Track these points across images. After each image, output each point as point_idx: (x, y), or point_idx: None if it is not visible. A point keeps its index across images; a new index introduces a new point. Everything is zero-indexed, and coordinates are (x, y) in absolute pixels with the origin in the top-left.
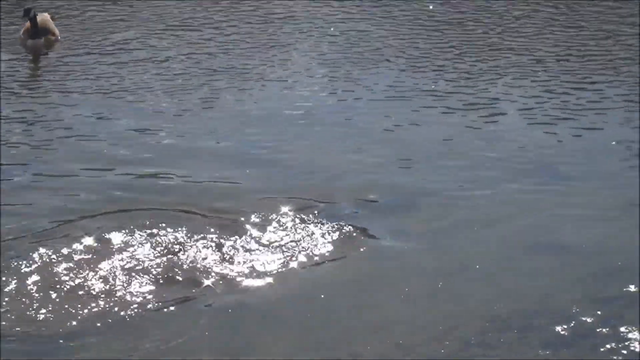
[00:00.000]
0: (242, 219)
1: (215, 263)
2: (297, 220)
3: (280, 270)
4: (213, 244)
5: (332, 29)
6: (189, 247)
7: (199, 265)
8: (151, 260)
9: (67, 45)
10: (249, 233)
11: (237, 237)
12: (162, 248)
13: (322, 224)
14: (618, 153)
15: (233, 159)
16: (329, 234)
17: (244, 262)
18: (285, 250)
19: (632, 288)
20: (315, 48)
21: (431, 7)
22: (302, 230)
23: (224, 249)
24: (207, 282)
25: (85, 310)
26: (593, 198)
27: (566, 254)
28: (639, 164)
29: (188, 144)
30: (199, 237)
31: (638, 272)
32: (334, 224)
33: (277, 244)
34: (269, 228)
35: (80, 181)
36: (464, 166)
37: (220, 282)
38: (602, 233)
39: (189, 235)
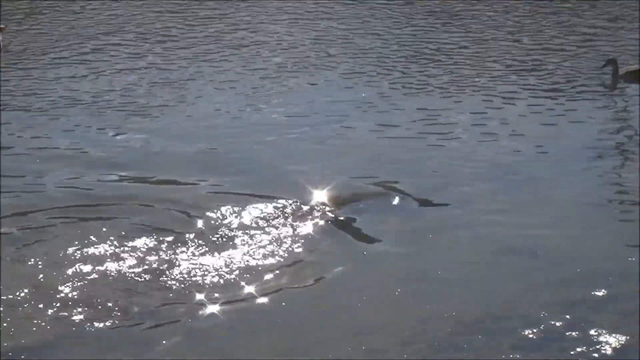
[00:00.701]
0: (213, 220)
1: (189, 266)
2: (265, 223)
3: (250, 275)
4: (185, 246)
5: (274, 37)
6: (161, 251)
7: (172, 270)
8: (120, 265)
9: (9, 57)
10: (220, 235)
11: (207, 238)
12: (133, 252)
13: (290, 228)
14: (578, 160)
15: (191, 162)
16: (297, 238)
17: (215, 266)
18: (254, 253)
19: (600, 292)
20: (256, 60)
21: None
22: (270, 233)
23: (196, 251)
24: (181, 287)
25: (52, 321)
26: (560, 204)
27: (535, 258)
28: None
29: (139, 150)
30: (169, 238)
31: (605, 276)
32: (302, 228)
33: (247, 246)
34: (237, 230)
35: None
36: (428, 172)
37: (193, 286)
38: (571, 238)
39: (158, 236)
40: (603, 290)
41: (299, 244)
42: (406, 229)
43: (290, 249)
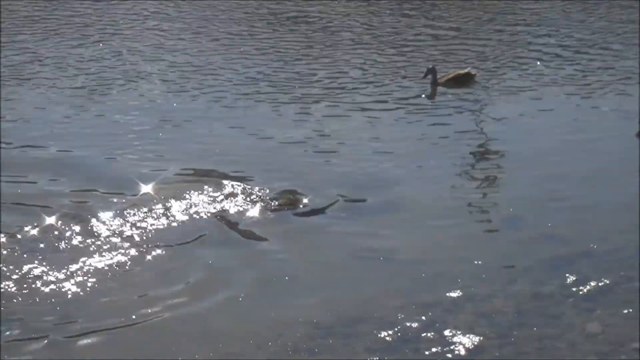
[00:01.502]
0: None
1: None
2: (131, 227)
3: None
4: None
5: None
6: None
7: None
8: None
9: None
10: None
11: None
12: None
13: (155, 230)
14: (440, 157)
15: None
16: (161, 242)
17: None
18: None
19: (454, 294)
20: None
21: None
22: (131, 237)
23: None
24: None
25: None
26: (416, 205)
27: (390, 260)
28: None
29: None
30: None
31: (458, 278)
32: (167, 231)
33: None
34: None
35: None
36: (288, 179)
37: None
38: (423, 240)
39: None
40: (457, 292)
41: (162, 248)
42: (264, 233)
43: (152, 254)
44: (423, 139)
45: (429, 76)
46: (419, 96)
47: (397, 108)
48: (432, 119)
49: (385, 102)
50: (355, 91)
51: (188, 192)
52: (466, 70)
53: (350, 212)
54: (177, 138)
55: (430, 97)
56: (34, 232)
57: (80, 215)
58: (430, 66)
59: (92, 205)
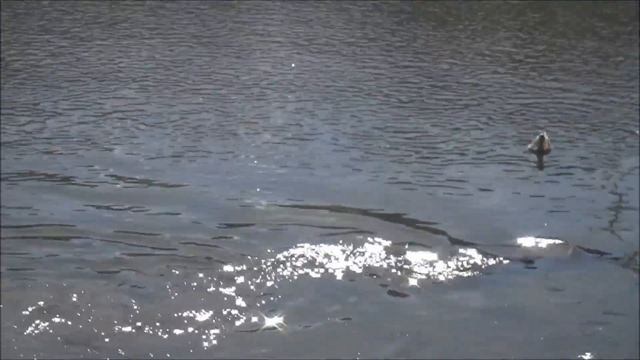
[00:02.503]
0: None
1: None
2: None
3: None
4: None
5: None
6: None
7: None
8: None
9: None
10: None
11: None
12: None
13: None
14: (564, 220)
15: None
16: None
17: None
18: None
19: (586, 356)
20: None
21: None
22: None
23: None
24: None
25: None
26: (544, 265)
27: (521, 319)
28: None
29: None
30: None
31: (590, 340)
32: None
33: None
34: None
35: None
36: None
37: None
38: (553, 300)
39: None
40: (589, 355)
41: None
42: (375, 285)
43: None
44: (539, 205)
45: (537, 145)
46: (533, 166)
47: (512, 177)
48: (548, 185)
49: (495, 169)
50: (460, 159)
51: (348, 240)
52: (540, 135)
53: (477, 268)
54: (318, 176)
55: (540, 164)
56: (161, 270)
57: (225, 260)
58: (542, 133)
59: (239, 252)
